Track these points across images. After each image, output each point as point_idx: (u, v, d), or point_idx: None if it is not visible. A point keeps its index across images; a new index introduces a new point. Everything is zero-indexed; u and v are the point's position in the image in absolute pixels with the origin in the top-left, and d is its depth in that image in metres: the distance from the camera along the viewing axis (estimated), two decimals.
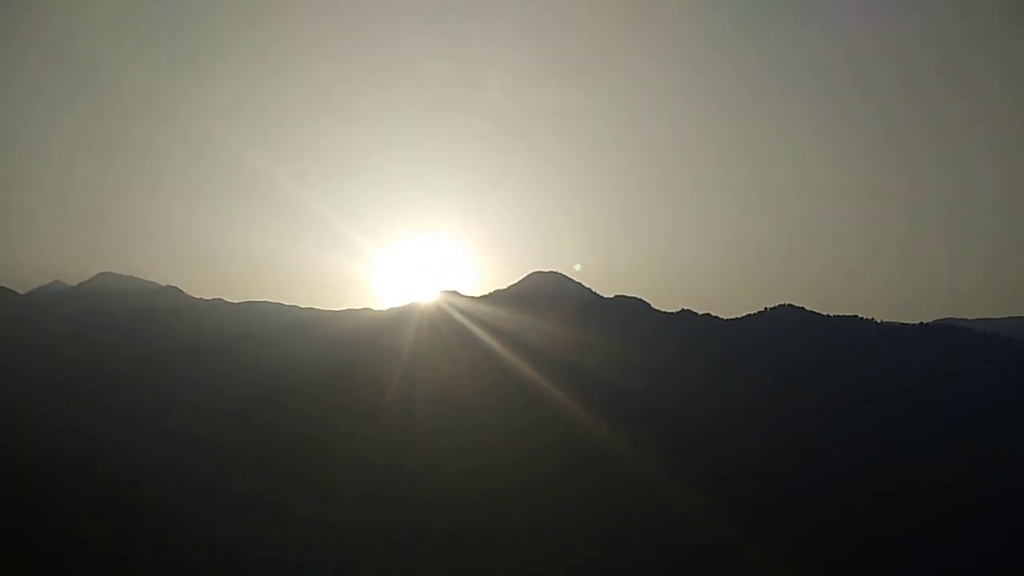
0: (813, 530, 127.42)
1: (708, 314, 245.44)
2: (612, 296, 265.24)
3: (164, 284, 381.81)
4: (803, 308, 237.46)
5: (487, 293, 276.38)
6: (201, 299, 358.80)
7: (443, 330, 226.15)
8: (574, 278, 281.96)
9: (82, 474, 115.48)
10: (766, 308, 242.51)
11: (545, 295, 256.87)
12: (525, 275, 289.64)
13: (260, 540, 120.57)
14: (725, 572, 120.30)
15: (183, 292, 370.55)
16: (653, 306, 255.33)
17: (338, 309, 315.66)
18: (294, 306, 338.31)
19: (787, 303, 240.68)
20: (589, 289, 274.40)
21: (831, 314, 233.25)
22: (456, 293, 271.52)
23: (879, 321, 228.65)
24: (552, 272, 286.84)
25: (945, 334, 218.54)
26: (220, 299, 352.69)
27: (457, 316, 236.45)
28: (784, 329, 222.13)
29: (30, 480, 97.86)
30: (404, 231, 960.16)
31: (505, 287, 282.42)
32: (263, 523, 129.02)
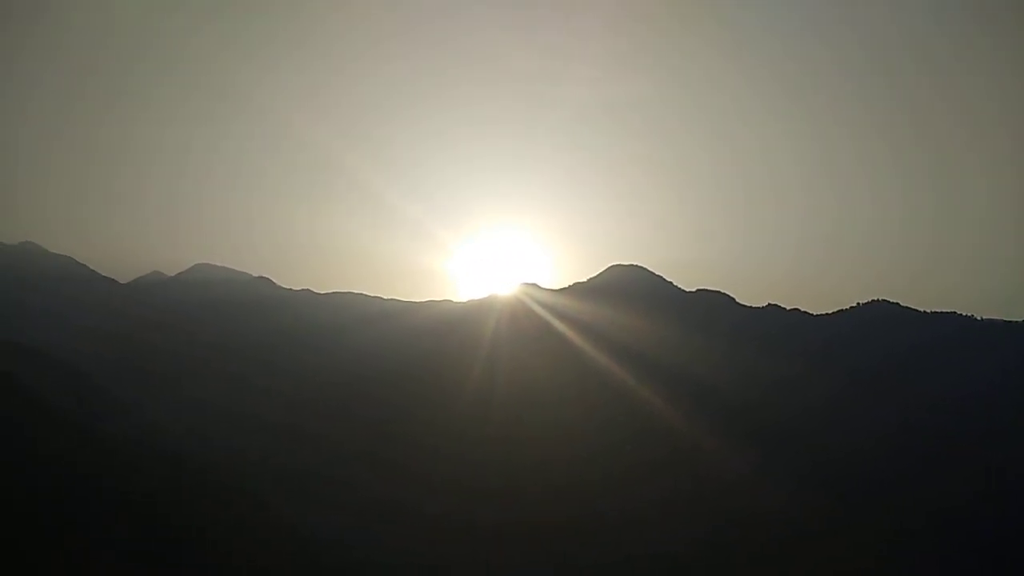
0: (898, 525, 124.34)
1: (796, 309, 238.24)
2: (694, 290, 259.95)
3: (256, 275, 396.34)
4: (898, 304, 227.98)
5: (566, 286, 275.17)
6: (290, 290, 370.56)
7: (522, 322, 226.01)
8: (655, 271, 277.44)
9: (174, 461, 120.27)
10: (858, 303, 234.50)
11: (625, 288, 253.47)
12: (605, 268, 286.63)
13: (342, 525, 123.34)
14: (808, 565, 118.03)
15: (273, 283, 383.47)
16: (737, 300, 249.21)
17: (419, 300, 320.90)
18: (377, 297, 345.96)
19: (882, 299, 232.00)
20: (670, 283, 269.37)
21: (928, 310, 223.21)
22: (535, 286, 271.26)
23: (979, 318, 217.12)
24: (632, 265, 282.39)
25: None
26: (308, 290, 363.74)
27: (536, 308, 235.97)
28: (874, 325, 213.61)
29: (124, 467, 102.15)
30: (485, 224, 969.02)
31: (585, 280, 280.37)
32: (345, 508, 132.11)
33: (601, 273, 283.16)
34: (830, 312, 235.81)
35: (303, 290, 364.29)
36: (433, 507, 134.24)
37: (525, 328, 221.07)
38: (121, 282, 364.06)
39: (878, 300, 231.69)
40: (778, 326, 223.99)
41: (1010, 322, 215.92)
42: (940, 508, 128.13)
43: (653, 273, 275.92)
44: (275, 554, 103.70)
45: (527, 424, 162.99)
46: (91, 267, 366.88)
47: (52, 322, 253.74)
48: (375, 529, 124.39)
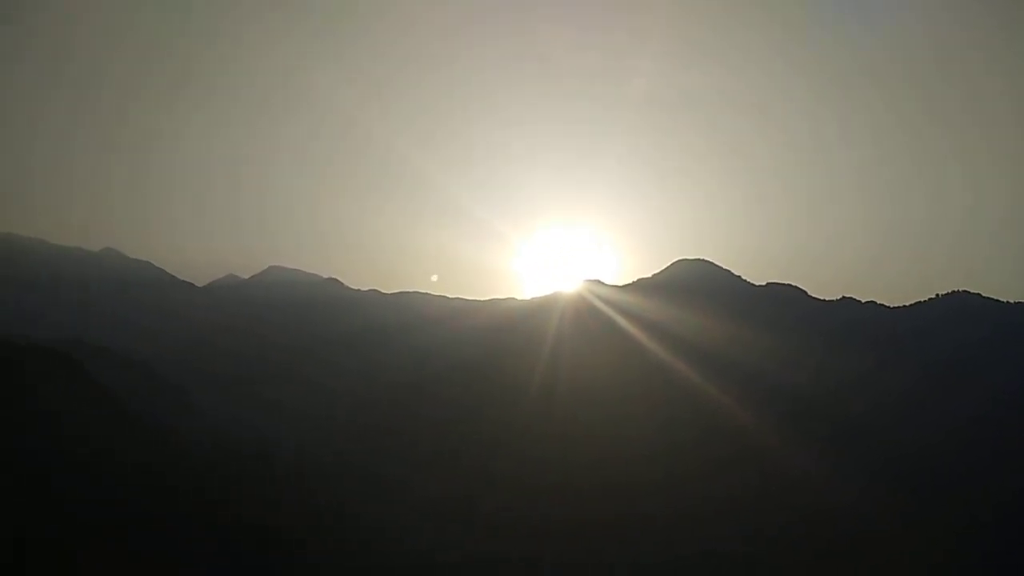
0: (969, 520, 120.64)
1: (872, 302, 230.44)
2: (764, 283, 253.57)
3: (325, 276, 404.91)
4: (979, 295, 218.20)
5: (631, 282, 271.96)
6: (358, 290, 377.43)
7: (586, 319, 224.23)
8: (723, 265, 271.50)
9: (247, 461, 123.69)
10: (938, 295, 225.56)
11: (691, 283, 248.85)
12: (670, 263, 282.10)
13: (408, 522, 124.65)
14: (878, 562, 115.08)
15: (342, 283, 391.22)
16: (809, 293, 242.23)
17: (484, 299, 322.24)
18: (442, 296, 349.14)
19: (962, 289, 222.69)
20: (739, 277, 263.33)
21: (1011, 300, 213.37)
22: (599, 282, 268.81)
23: None
24: (699, 259, 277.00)
25: None
26: (375, 290, 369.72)
27: (600, 305, 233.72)
28: (953, 316, 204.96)
29: (200, 467, 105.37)
30: (549, 221, 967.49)
31: (649, 275, 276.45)
32: (410, 505, 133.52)
33: (666, 268, 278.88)
34: (908, 304, 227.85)
35: (370, 290, 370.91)
36: (498, 504, 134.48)
37: (589, 325, 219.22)
38: (198, 285, 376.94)
39: (958, 291, 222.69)
40: (852, 319, 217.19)
41: None
42: (1012, 502, 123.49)
43: (720, 267, 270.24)
44: (347, 552, 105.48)
45: (590, 422, 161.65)
46: (169, 272, 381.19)
47: (132, 325, 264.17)
48: (439, 526, 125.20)
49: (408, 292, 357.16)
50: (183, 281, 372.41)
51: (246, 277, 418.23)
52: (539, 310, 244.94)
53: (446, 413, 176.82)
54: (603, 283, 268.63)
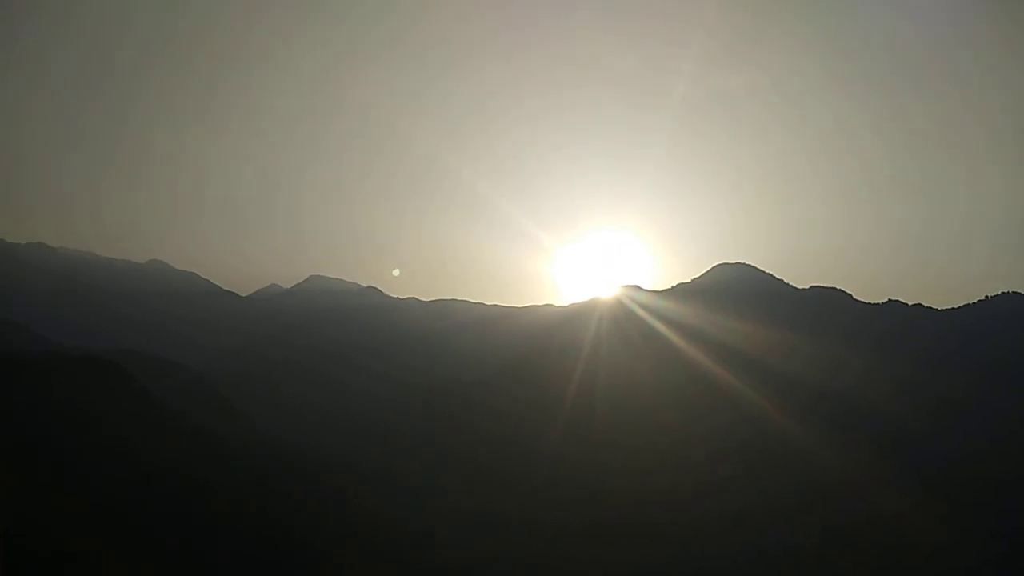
0: (1017, 527, 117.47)
1: (919, 304, 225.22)
2: (807, 287, 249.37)
3: (365, 285, 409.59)
4: None
5: (670, 287, 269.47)
6: (397, 298, 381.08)
7: (624, 325, 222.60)
8: (764, 269, 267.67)
9: (290, 466, 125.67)
10: (987, 296, 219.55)
11: (732, 288, 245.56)
12: (710, 267, 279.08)
13: (445, 528, 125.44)
14: (925, 569, 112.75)
15: (381, 292, 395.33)
16: (854, 297, 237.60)
17: (521, 305, 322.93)
18: (480, 303, 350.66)
19: (1012, 291, 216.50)
20: (781, 280, 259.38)
21: None
22: (637, 287, 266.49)
23: None
24: (739, 263, 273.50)
25: None
26: (414, 298, 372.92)
27: (639, 311, 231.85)
28: (1003, 319, 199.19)
29: (245, 472, 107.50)
30: (586, 227, 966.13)
31: (688, 280, 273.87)
32: (449, 512, 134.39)
33: (706, 273, 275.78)
34: (956, 306, 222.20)
35: (409, 299, 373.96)
36: (534, 510, 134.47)
37: (627, 331, 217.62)
38: (241, 295, 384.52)
39: (1008, 292, 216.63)
40: (899, 323, 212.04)
41: None
42: None
43: (762, 271, 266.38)
44: (386, 558, 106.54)
45: (629, 428, 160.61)
46: (214, 282, 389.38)
47: (179, 335, 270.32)
48: (476, 533, 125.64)
49: (446, 300, 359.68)
50: (227, 291, 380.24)
51: (288, 286, 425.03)
52: (577, 316, 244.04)
53: (484, 420, 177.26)
54: (641, 288, 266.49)
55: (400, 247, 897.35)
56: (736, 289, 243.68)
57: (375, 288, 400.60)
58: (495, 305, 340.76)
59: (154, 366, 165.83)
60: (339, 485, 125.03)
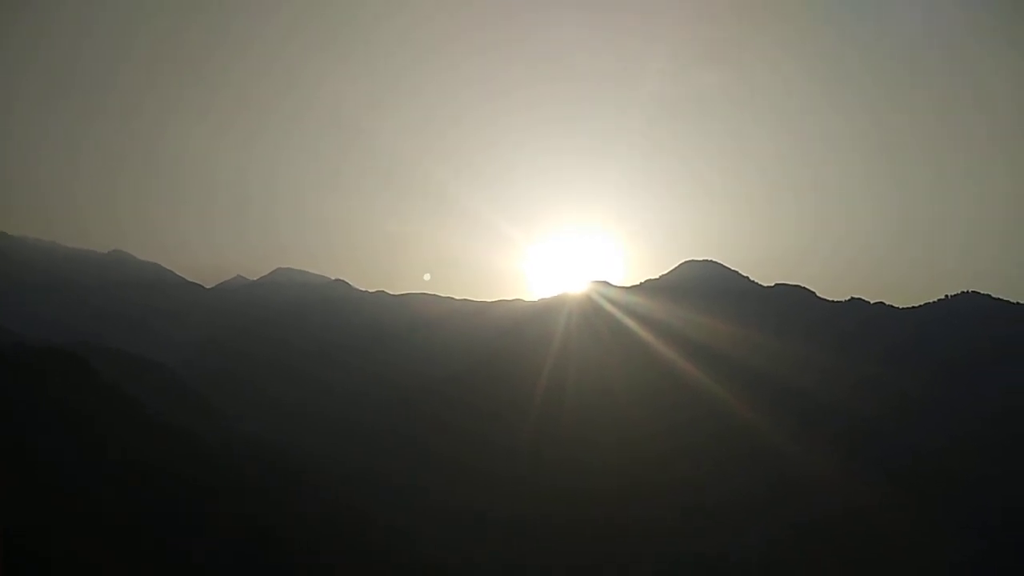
0: (984, 521, 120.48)
1: (881, 303, 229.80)
2: (772, 285, 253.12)
3: (333, 278, 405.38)
4: (989, 296, 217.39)
5: (639, 283, 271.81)
6: (366, 291, 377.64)
7: (594, 320, 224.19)
8: (731, 266, 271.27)
9: (260, 461, 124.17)
10: (947, 295, 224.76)
11: (699, 284, 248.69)
12: (678, 264, 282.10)
13: (414, 524, 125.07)
14: (892, 563, 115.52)
15: (350, 285, 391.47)
16: (818, 294, 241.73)
17: (491, 300, 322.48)
18: (450, 297, 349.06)
19: (971, 290, 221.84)
20: (747, 278, 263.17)
21: (1019, 301, 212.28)
22: (607, 283, 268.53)
23: None
24: (707, 260, 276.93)
25: None
26: (383, 291, 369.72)
27: (608, 306, 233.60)
28: (963, 317, 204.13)
29: (210, 467, 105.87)
30: (557, 223, 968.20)
31: (657, 277, 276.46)
32: (418, 508, 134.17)
33: (674, 269, 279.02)
34: (917, 305, 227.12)
35: (378, 292, 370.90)
36: (505, 507, 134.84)
37: (596, 327, 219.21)
38: (206, 287, 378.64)
39: (967, 292, 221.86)
40: (861, 320, 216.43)
41: None
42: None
43: (728, 268, 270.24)
44: (360, 555, 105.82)
45: (599, 424, 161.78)
46: (178, 273, 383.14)
47: (142, 327, 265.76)
48: (451, 531, 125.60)
49: (416, 293, 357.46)
50: (192, 283, 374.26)
51: (254, 279, 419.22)
52: (546, 312, 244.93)
53: (456, 416, 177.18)
54: (610, 284, 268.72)
55: (368, 241, 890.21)
56: (703, 286, 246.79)
57: (343, 281, 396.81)
58: (465, 299, 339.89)
59: (120, 359, 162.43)
60: (320, 484, 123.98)
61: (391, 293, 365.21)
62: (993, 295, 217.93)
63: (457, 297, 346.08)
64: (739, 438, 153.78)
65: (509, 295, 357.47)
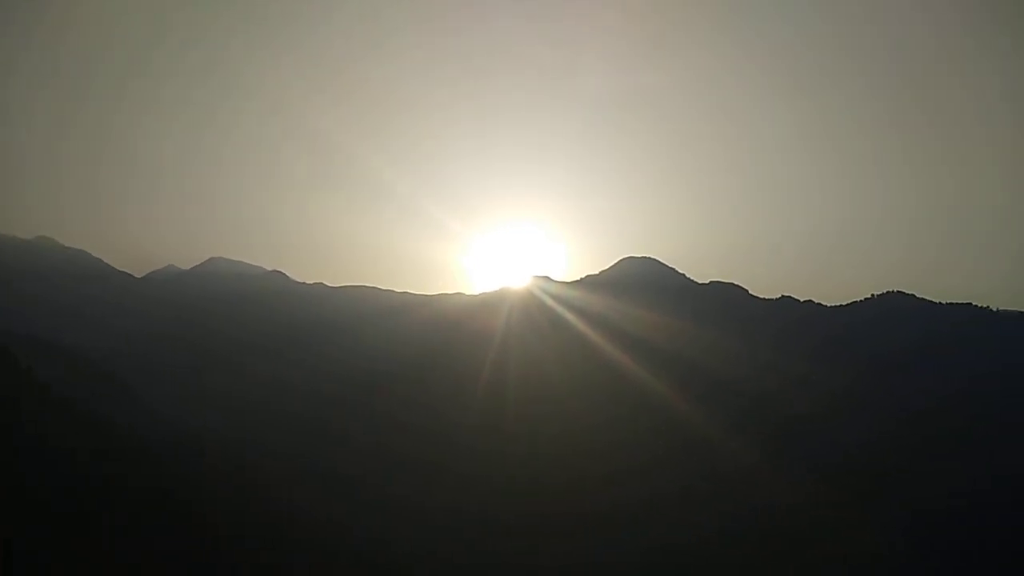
0: (911, 515, 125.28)
1: (810, 301, 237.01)
2: (707, 282, 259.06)
3: (270, 269, 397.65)
4: (913, 295, 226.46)
5: (579, 278, 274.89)
6: (304, 283, 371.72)
7: (535, 315, 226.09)
8: (668, 263, 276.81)
9: (190, 453, 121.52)
10: (873, 295, 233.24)
11: (637, 280, 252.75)
12: (617, 260, 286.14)
13: (354, 518, 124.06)
14: (822, 555, 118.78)
15: (287, 276, 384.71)
16: (751, 292, 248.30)
17: (432, 293, 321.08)
18: (390, 290, 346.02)
19: (897, 290, 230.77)
20: (683, 275, 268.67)
21: (943, 301, 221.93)
22: (547, 278, 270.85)
23: (995, 309, 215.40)
24: (645, 257, 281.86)
25: None
26: (321, 283, 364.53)
27: (548, 301, 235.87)
28: (889, 316, 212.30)
29: (138, 459, 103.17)
30: (498, 217, 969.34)
31: (597, 272, 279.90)
32: (357, 501, 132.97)
33: (613, 265, 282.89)
34: (844, 303, 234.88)
35: (316, 284, 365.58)
36: (445, 500, 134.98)
37: (537, 321, 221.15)
38: (136, 276, 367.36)
39: (893, 291, 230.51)
40: (792, 318, 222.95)
41: None
42: (952, 498, 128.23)
43: (666, 265, 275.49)
44: (287, 544, 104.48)
45: (539, 418, 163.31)
46: (106, 261, 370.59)
47: (68, 316, 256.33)
48: (386, 523, 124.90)
49: (355, 286, 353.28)
50: (121, 271, 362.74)
51: (187, 268, 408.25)
52: (488, 305, 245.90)
53: (393, 407, 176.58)
54: (551, 279, 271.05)
55: (304, 231, 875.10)
56: (642, 282, 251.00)
57: (280, 272, 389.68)
58: (405, 292, 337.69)
59: (41, 348, 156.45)
60: (250, 474, 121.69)
61: (330, 285, 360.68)
62: (917, 295, 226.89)
63: (397, 290, 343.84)
64: (674, 431, 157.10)
65: (450, 289, 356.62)
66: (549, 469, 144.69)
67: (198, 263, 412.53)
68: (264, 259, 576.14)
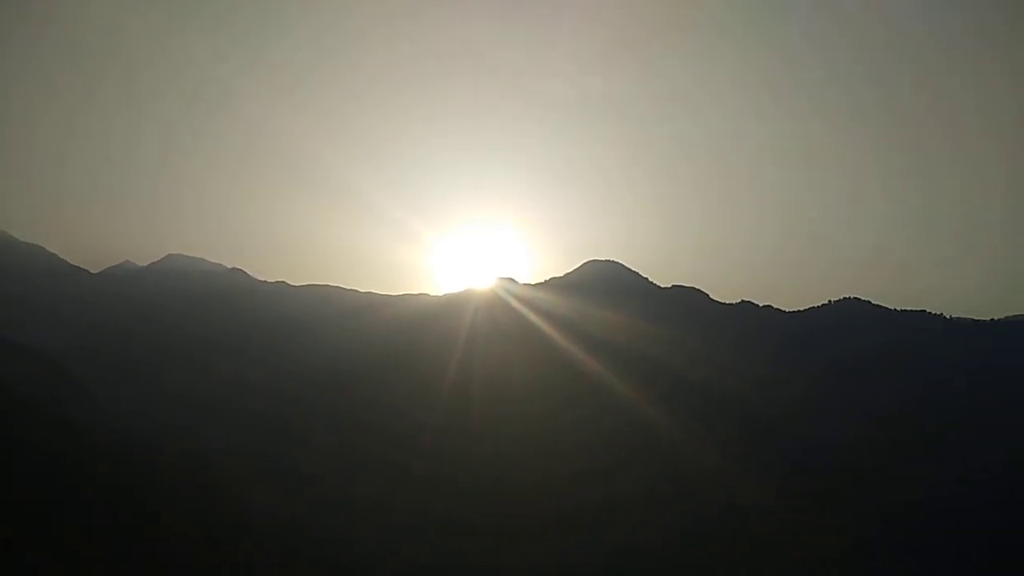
0: (870, 518, 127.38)
1: (769, 306, 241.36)
2: (669, 286, 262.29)
3: (230, 266, 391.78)
4: (869, 302, 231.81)
5: (543, 280, 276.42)
6: (265, 282, 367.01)
7: (499, 316, 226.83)
8: (631, 267, 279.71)
9: (148, 453, 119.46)
10: (830, 301, 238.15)
11: (601, 284, 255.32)
12: (581, 263, 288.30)
13: (316, 519, 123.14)
14: (783, 558, 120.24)
15: (248, 274, 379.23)
16: (711, 296, 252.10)
17: (395, 294, 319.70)
18: (353, 290, 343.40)
19: (853, 296, 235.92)
20: (646, 279, 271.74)
21: (898, 308, 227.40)
22: (512, 280, 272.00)
23: (948, 316, 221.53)
24: (609, 261, 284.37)
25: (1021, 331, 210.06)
26: (283, 282, 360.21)
27: (513, 303, 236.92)
28: (846, 322, 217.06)
29: (96, 457, 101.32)
30: (462, 218, 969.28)
31: (561, 275, 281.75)
32: (320, 502, 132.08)
33: (578, 268, 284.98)
34: (802, 309, 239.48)
35: (278, 282, 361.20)
36: (409, 501, 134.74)
37: (502, 322, 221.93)
38: (92, 272, 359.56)
39: (849, 298, 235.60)
40: (751, 323, 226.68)
41: (979, 321, 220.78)
42: (905, 499, 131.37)
43: (629, 269, 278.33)
44: (248, 543, 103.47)
45: (503, 418, 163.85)
46: (61, 256, 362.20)
47: (21, 312, 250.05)
48: (350, 524, 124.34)
49: (318, 285, 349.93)
50: (76, 267, 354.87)
51: (144, 264, 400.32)
52: (452, 307, 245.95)
53: (357, 408, 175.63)
54: (516, 281, 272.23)
55: (265, 230, 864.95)
56: (605, 285, 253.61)
57: (241, 270, 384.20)
58: (369, 292, 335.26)
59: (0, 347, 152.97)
60: (219, 478, 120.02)
61: (292, 284, 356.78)
62: (872, 301, 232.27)
63: (361, 290, 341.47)
64: (637, 432, 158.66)
65: (414, 289, 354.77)
66: (514, 469, 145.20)
67: (156, 259, 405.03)
68: (224, 257, 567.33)
